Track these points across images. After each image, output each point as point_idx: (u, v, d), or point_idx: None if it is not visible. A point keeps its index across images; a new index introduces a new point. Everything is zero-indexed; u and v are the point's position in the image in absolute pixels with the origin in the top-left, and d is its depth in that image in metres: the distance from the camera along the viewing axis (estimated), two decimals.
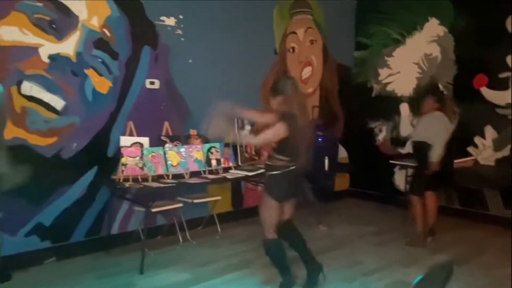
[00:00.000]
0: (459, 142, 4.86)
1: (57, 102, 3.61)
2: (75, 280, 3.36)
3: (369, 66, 6.16)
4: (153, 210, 3.81)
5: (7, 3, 3.30)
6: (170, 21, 4.32)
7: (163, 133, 4.21)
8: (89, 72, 3.79)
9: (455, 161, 4.86)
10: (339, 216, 5.38)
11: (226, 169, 4.34)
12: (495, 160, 5.05)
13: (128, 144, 3.84)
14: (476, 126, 5.14)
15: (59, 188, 3.68)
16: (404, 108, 5.81)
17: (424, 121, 4.31)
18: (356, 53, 6.33)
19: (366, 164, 6.13)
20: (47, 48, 3.53)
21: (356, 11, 6.30)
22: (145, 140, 3.95)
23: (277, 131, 2.97)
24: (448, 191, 5.26)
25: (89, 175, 3.85)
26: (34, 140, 3.51)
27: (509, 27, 4.89)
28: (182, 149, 4.10)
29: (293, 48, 5.57)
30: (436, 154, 4.13)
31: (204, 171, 4.17)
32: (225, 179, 4.20)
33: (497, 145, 5.02)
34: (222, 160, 4.32)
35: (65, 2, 3.59)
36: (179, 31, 4.39)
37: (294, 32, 5.57)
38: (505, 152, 4.97)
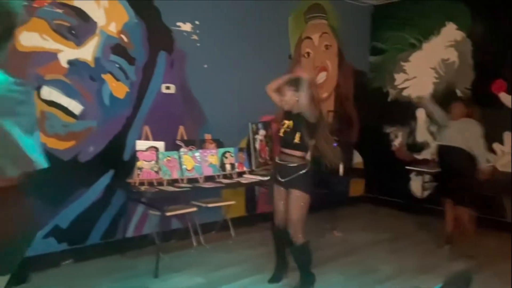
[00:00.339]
0: None
1: (76, 107, 3.67)
2: (91, 282, 3.39)
3: (385, 71, 6.12)
4: (168, 214, 3.83)
5: (28, 9, 3.37)
6: (186, 27, 4.36)
7: (178, 137, 4.24)
8: (107, 77, 3.84)
9: None
10: (354, 222, 5.33)
11: (240, 174, 4.35)
12: None
13: (144, 148, 3.88)
14: (494, 132, 5.04)
15: (76, 191, 3.73)
16: (421, 113, 5.75)
17: (457, 127, 4.19)
18: (371, 58, 6.29)
19: (381, 170, 6.08)
20: (66, 53, 3.59)
21: (372, 16, 6.28)
22: (160, 144, 3.99)
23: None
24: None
25: (105, 179, 3.90)
26: (53, 144, 3.56)
27: None
28: (197, 154, 4.12)
29: (308, 53, 5.57)
30: (483, 162, 4.10)
31: (219, 176, 4.19)
32: (239, 184, 4.22)
33: None
34: (236, 164, 4.33)
35: (84, 9, 3.66)
36: (195, 37, 4.43)
37: (309, 37, 5.57)
38: None
